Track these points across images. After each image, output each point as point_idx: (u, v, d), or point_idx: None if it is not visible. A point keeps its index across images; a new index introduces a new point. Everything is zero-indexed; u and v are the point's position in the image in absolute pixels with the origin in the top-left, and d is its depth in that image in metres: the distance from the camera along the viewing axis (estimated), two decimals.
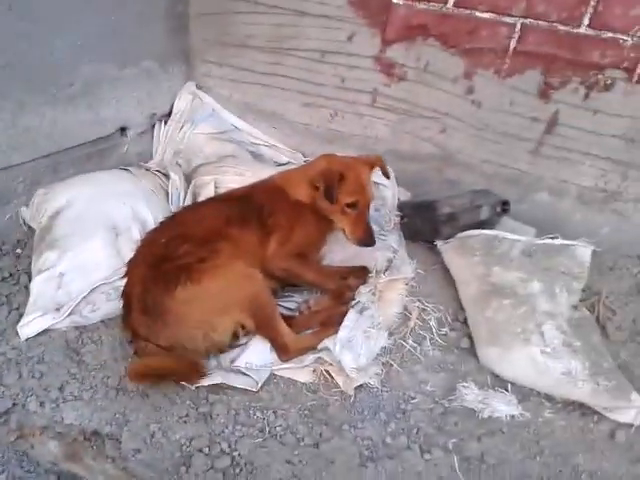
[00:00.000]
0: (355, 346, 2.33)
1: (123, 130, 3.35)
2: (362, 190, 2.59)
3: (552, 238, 2.66)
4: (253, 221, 2.52)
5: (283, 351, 2.34)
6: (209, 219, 2.47)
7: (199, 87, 3.61)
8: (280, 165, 3.42)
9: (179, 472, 1.96)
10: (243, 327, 2.35)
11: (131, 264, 2.40)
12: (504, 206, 2.92)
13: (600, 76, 2.78)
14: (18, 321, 2.41)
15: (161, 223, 2.58)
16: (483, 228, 2.77)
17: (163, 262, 2.26)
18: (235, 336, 2.37)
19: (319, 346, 2.37)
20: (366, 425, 2.16)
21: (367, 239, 2.59)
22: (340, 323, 2.40)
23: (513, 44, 2.86)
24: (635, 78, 2.73)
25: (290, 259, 2.55)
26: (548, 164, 3.10)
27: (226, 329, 2.30)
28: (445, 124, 3.21)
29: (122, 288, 2.37)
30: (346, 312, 2.45)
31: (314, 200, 2.62)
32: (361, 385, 2.29)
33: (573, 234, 2.71)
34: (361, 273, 2.72)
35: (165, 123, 3.54)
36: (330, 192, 2.50)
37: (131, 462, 1.98)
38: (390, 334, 2.49)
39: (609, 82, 2.77)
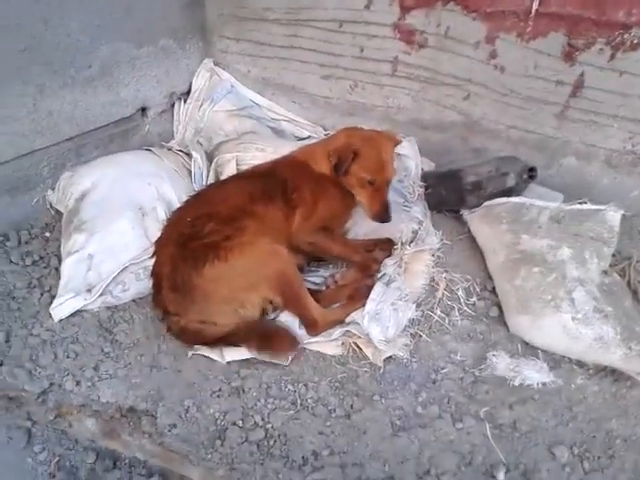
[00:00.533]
0: (383, 318, 2.33)
1: (143, 110, 3.35)
2: (380, 166, 2.55)
3: (581, 203, 2.61)
4: (277, 197, 2.51)
5: (312, 326, 2.35)
6: (233, 197, 2.47)
7: (217, 64, 3.58)
8: (301, 140, 3.40)
9: (214, 445, 2.00)
10: (271, 303, 2.37)
11: (159, 243, 2.43)
12: (531, 172, 2.86)
13: (626, 35, 2.67)
14: (50, 303, 2.46)
15: (186, 202, 2.59)
16: (510, 196, 2.72)
17: (190, 241, 2.28)
18: (264, 312, 2.39)
19: (347, 319, 2.38)
20: (397, 395, 2.17)
21: (383, 215, 2.56)
22: (367, 296, 2.40)
23: (535, 6, 2.77)
24: None
25: (316, 233, 2.54)
26: (575, 128, 3.02)
27: (254, 305, 2.32)
28: (468, 91, 3.14)
29: (151, 268, 2.40)
30: (372, 285, 2.46)
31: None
32: (390, 356, 2.29)
33: (602, 199, 2.65)
34: (386, 245, 2.71)
35: (184, 102, 3.53)
36: (339, 167, 2.50)
37: (167, 437, 2.03)
38: (418, 305, 2.49)
39: (635, 41, 2.66)
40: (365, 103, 3.39)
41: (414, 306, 2.45)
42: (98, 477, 2.06)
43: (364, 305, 2.37)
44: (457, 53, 3.04)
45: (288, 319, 2.41)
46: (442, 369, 2.28)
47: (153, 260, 2.39)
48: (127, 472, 2.07)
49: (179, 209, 2.57)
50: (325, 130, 3.51)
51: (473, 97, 3.15)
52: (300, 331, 2.38)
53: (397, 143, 2.72)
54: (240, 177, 2.76)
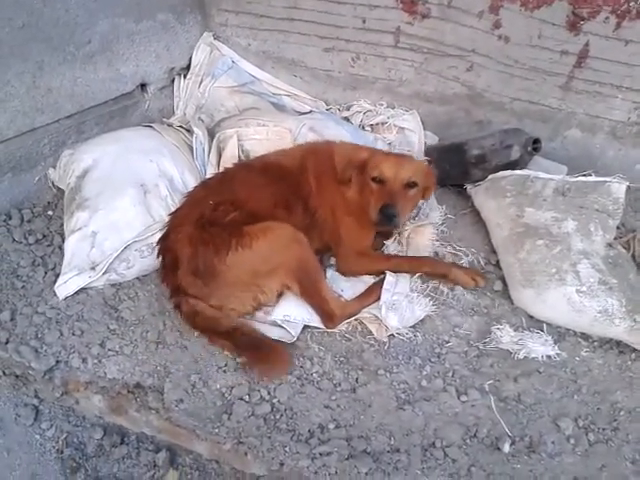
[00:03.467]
0: (399, 308, 2.34)
1: (143, 86, 3.31)
2: (393, 163, 2.43)
3: (585, 175, 2.59)
4: (300, 209, 2.50)
5: (329, 318, 2.33)
6: (258, 196, 2.42)
7: (216, 37, 3.52)
8: (302, 114, 3.35)
9: (221, 419, 2.01)
10: (288, 288, 2.35)
11: (176, 220, 2.39)
12: (535, 145, 2.84)
13: (632, 3, 2.63)
14: (55, 281, 2.46)
15: (208, 181, 2.59)
16: (514, 168, 2.70)
17: (211, 225, 2.25)
18: (279, 296, 2.38)
19: (363, 312, 2.38)
20: (401, 369, 2.18)
21: (384, 211, 2.33)
22: (381, 287, 2.40)
23: None
24: None
25: (356, 265, 2.56)
26: (579, 99, 2.99)
27: (273, 290, 2.32)
28: (472, 62, 3.09)
29: (160, 242, 2.38)
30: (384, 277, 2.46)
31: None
32: (393, 334, 2.31)
33: (607, 170, 2.64)
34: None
35: (184, 77, 3.48)
36: (345, 174, 2.50)
37: (174, 412, 2.04)
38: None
39: None
40: (367, 76, 3.34)
41: (429, 301, 2.43)
42: (106, 453, 2.10)
43: (379, 297, 2.36)
44: (461, 23, 2.99)
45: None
46: (446, 343, 2.28)
47: (164, 233, 2.38)
48: (135, 447, 2.10)
49: (200, 188, 2.55)
50: (327, 104, 3.47)
51: (477, 68, 3.10)
52: (308, 309, 2.35)
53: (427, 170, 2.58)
54: (267, 173, 2.56)
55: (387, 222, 2.38)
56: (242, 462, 1.97)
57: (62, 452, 2.10)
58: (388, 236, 2.71)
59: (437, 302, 2.44)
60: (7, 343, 2.24)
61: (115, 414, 2.13)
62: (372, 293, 2.43)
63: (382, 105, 3.36)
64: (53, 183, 2.94)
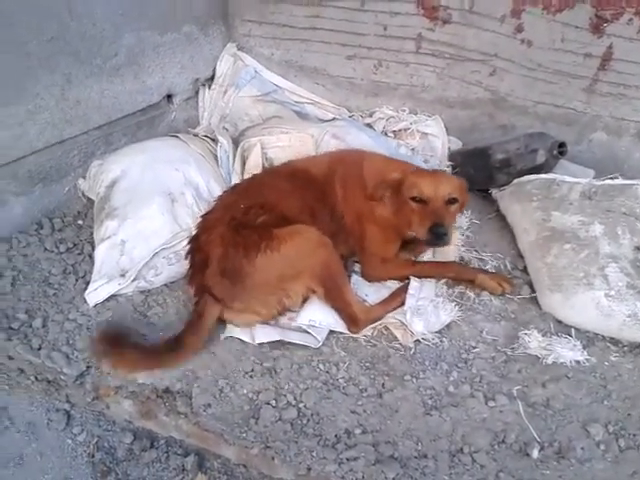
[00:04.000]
0: (424, 313, 2.34)
1: (169, 97, 3.38)
2: (433, 181, 2.37)
3: (612, 178, 2.57)
4: (326, 215, 2.53)
5: (353, 322, 2.33)
6: (286, 201, 2.45)
7: (240, 48, 3.58)
8: (325, 122, 3.38)
9: (249, 424, 2.03)
10: (313, 292, 2.36)
11: (208, 222, 2.42)
12: (560, 148, 2.81)
13: None
14: (85, 289, 2.51)
15: (237, 187, 2.63)
16: (539, 172, 2.68)
17: (243, 227, 2.28)
18: (304, 301, 2.40)
19: (389, 317, 2.38)
20: (428, 375, 2.18)
21: (434, 232, 2.28)
22: (405, 292, 2.41)
23: None
24: None
25: (380, 271, 2.58)
26: (604, 102, 2.96)
27: (298, 294, 2.33)
28: (494, 66, 3.09)
29: (192, 243, 2.41)
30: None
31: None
32: (418, 339, 2.30)
33: (633, 173, 2.61)
34: None
35: (209, 88, 3.54)
36: (377, 191, 2.47)
37: (203, 417, 2.06)
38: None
39: None
40: (389, 82, 3.36)
41: (454, 306, 2.42)
42: (136, 457, 2.12)
43: (404, 302, 2.37)
44: (482, 28, 2.99)
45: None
46: (473, 348, 2.27)
47: (195, 235, 2.41)
48: (164, 452, 2.13)
49: (231, 193, 2.59)
50: (350, 111, 3.49)
51: (500, 73, 3.10)
52: (334, 315, 2.36)
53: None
54: (296, 179, 2.59)
55: (438, 241, 2.34)
56: (269, 467, 1.98)
57: (93, 456, 2.13)
58: (415, 249, 2.69)
59: (463, 307, 2.43)
60: (39, 349, 2.29)
61: (144, 419, 2.16)
62: (396, 298, 2.43)
63: (405, 111, 3.38)
64: (83, 193, 3.01)
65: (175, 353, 2.14)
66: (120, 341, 2.10)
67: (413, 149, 3.22)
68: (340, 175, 2.59)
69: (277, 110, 3.41)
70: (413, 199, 2.37)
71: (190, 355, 2.18)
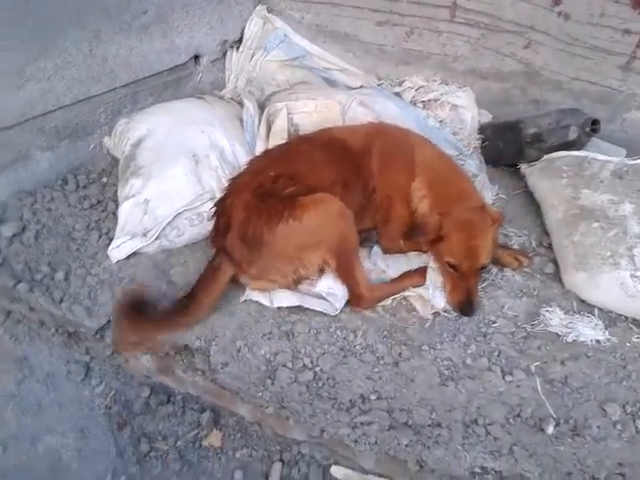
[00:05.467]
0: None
1: (197, 58, 3.34)
2: (471, 253, 2.24)
3: None
4: (358, 189, 2.45)
5: (357, 300, 2.32)
6: (318, 172, 2.39)
7: (270, 10, 3.50)
8: (353, 89, 3.32)
9: (265, 384, 2.05)
10: (327, 263, 2.33)
11: (235, 185, 2.40)
12: (593, 126, 2.73)
13: None
14: (108, 245, 2.54)
15: (269, 152, 2.58)
16: (571, 149, 2.62)
17: (269, 195, 2.25)
18: (321, 271, 2.37)
19: (410, 290, 2.36)
20: (445, 347, 2.17)
21: (464, 307, 2.26)
22: (419, 274, 2.38)
23: None
24: None
25: (399, 244, 2.51)
26: None
27: (314, 265, 2.31)
28: (530, 39, 2.99)
29: (218, 205, 2.39)
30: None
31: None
32: (438, 311, 2.30)
33: None
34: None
35: (237, 50, 3.49)
36: (413, 235, 2.38)
37: (220, 374, 2.09)
38: None
39: None
40: (421, 51, 3.27)
41: None
42: (152, 411, 2.16)
43: (423, 281, 2.34)
44: None
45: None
46: (493, 323, 2.25)
47: (222, 197, 2.39)
48: (180, 407, 2.16)
49: (262, 158, 2.55)
50: (379, 79, 3.43)
51: (535, 45, 3.00)
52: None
53: (499, 224, 2.40)
54: (332, 149, 2.49)
55: (464, 315, 2.28)
56: (284, 426, 2.01)
57: (110, 408, 2.17)
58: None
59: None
60: (61, 302, 2.33)
61: (162, 374, 2.19)
62: (406, 279, 2.40)
63: (435, 81, 3.29)
64: (108, 151, 3.01)
65: (188, 310, 2.16)
66: (140, 307, 2.14)
67: (442, 121, 3.14)
68: (378, 149, 2.50)
69: (304, 76, 3.35)
70: (448, 263, 2.27)
71: (203, 311, 2.20)
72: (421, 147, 2.54)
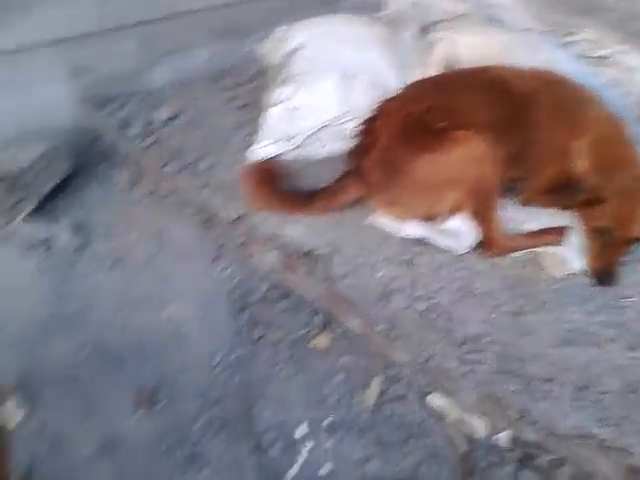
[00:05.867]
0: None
1: None
2: (627, 222, 2.10)
3: None
4: (515, 137, 2.30)
5: (488, 245, 2.25)
6: (475, 112, 2.27)
7: None
8: (518, 31, 3.12)
9: (379, 304, 2.09)
10: (462, 205, 2.26)
11: (386, 108, 2.36)
12: None
13: None
14: (250, 146, 2.63)
15: (427, 80, 2.52)
16: None
17: (419, 126, 2.20)
18: (454, 211, 2.30)
19: (536, 249, 2.27)
20: (572, 310, 2.07)
21: (603, 277, 2.14)
22: (558, 232, 2.26)
23: None
24: None
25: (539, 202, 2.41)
26: None
27: (449, 202, 2.25)
28: None
29: (366, 124, 2.38)
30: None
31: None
32: (572, 273, 2.19)
33: None
34: None
35: None
36: (569, 193, 2.24)
37: (338, 284, 2.15)
38: None
39: None
40: (604, 3, 3.00)
41: None
42: (269, 302, 2.25)
43: (560, 242, 2.23)
44: None
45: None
46: (629, 297, 2.12)
47: (371, 117, 2.37)
48: (295, 304, 2.24)
49: (416, 86, 2.48)
50: (548, 26, 3.19)
51: None
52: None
53: None
54: (492, 88, 2.36)
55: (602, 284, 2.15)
56: (390, 347, 2.03)
57: (232, 292, 2.29)
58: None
59: (629, 254, 2.24)
60: (203, 188, 2.48)
61: (284, 273, 2.28)
62: (544, 235, 2.28)
63: (611, 39, 3.03)
64: (261, 56, 3.08)
65: (302, 205, 2.34)
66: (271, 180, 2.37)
67: (610, 81, 2.90)
68: (549, 98, 2.33)
69: (470, 9, 3.19)
70: (597, 228, 2.14)
71: (314, 214, 2.36)
72: (594, 105, 2.35)
